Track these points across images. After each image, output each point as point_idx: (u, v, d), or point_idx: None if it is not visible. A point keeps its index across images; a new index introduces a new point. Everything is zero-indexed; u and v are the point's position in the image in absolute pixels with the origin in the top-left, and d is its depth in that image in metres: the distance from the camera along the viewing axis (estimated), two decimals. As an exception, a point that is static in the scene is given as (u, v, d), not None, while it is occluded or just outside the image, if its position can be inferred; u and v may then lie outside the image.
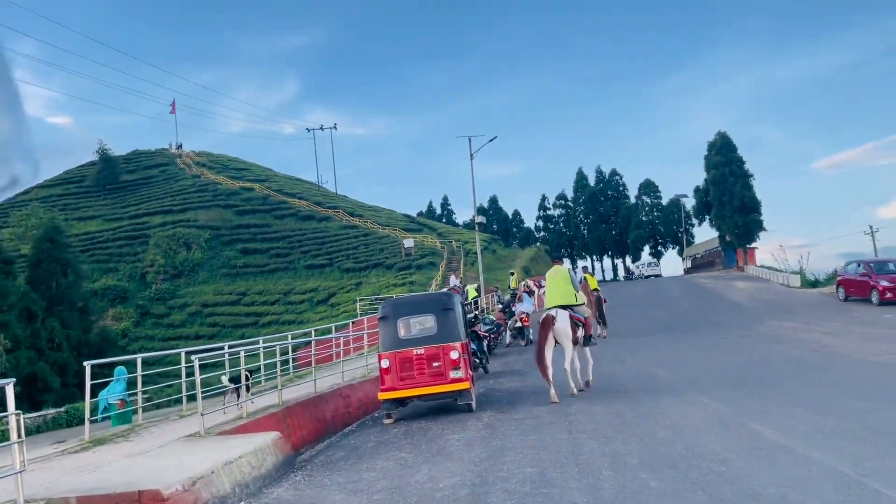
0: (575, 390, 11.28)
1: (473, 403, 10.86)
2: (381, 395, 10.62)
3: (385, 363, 10.58)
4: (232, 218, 70.10)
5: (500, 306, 25.60)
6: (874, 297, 23.71)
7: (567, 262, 13.66)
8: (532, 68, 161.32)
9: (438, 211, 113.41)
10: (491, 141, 31.90)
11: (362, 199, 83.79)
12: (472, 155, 32.55)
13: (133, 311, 59.24)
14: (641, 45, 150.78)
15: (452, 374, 10.45)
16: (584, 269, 23.88)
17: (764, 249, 68.22)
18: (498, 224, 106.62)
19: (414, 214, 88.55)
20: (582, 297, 11.83)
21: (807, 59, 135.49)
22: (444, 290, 33.83)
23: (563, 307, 11.30)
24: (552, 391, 10.75)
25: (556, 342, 11.14)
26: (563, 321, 11.10)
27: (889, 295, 23.13)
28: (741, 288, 37.82)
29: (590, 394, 11.52)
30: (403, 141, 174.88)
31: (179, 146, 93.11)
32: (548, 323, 11.10)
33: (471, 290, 32.80)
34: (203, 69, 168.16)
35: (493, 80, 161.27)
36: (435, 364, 10.50)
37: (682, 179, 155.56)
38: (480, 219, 32.61)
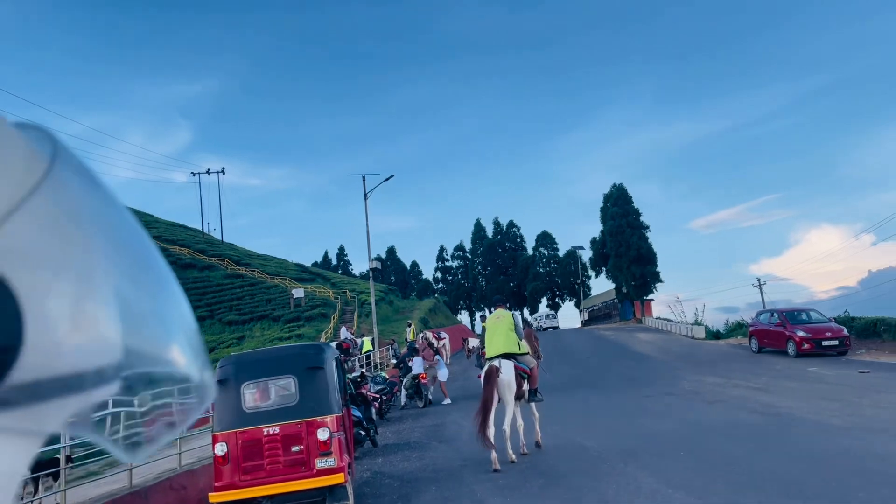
0: (514, 456, 9.79)
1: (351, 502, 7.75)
2: (214, 497, 7.26)
3: (221, 448, 7.34)
4: (102, 265, 63.70)
5: (395, 361, 22.61)
6: (790, 349, 22.42)
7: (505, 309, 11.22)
8: (432, 123, 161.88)
9: (334, 261, 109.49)
10: (387, 180, 29.37)
11: (254, 249, 79.05)
12: (366, 195, 29.81)
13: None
14: (536, 105, 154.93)
15: (320, 464, 7.36)
16: (482, 317, 21.55)
17: (659, 301, 68.82)
18: (396, 275, 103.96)
19: (308, 265, 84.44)
20: (525, 346, 10.39)
21: (687, 125, 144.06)
22: (334, 343, 30.45)
23: (507, 356, 9.96)
24: (493, 455, 9.38)
25: (498, 398, 9.74)
26: (507, 372, 9.76)
27: (806, 346, 21.87)
28: (645, 339, 36.54)
29: (524, 473, 8.71)
30: (300, 192, 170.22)
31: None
32: (492, 375, 9.72)
33: (366, 343, 29.72)
34: (90, 112, 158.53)
35: (392, 133, 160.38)
36: (294, 449, 7.37)
37: (578, 232, 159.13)
38: (375, 264, 29.66)
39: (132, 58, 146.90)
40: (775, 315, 23.94)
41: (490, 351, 10.18)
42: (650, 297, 61.60)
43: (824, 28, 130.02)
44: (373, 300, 32.23)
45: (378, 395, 16.13)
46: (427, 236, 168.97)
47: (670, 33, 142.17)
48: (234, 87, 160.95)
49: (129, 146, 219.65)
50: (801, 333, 22.12)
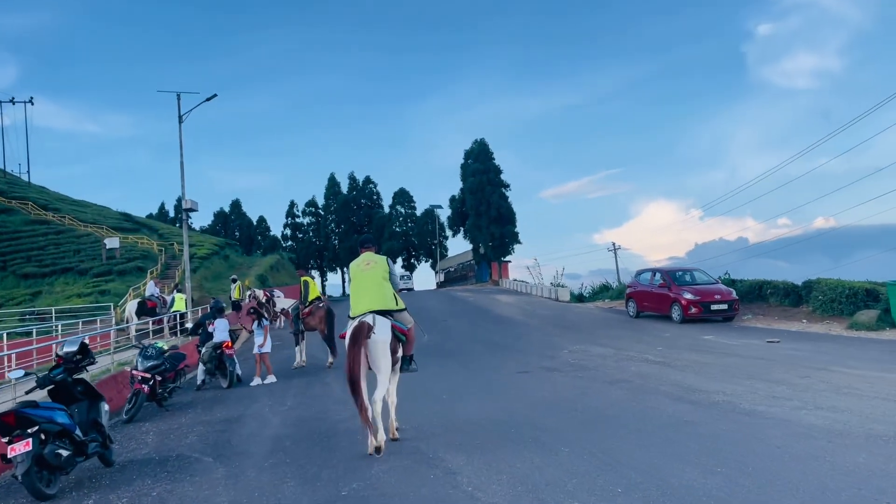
0: (385, 436, 7.37)
1: None
2: None
3: None
4: None
5: (189, 326, 17.29)
6: (675, 314, 19.63)
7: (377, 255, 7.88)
8: (289, 76, 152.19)
9: (172, 214, 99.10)
10: (209, 100, 23.64)
11: (81, 199, 68.40)
12: (180, 117, 23.76)
13: None
14: (395, 69, 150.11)
15: None
16: (301, 271, 17.16)
17: (515, 265, 66.93)
18: (241, 231, 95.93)
19: (140, 215, 74.62)
20: (402, 301, 7.82)
21: (539, 99, 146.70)
22: (138, 300, 24.54)
23: (381, 313, 7.43)
24: (371, 440, 7.10)
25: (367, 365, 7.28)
26: (383, 331, 7.31)
27: (694, 311, 19.14)
28: (506, 302, 33.39)
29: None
30: (143, 141, 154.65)
31: None
32: (361, 334, 7.18)
33: (178, 300, 24.14)
34: None
35: (247, 84, 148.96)
36: None
37: (436, 194, 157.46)
38: (190, 203, 23.89)
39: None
40: (657, 275, 21.11)
41: (358, 306, 7.47)
42: (508, 258, 59.29)
43: (665, 13, 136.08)
44: (185, 248, 26.48)
45: (148, 375, 11.08)
46: (277, 192, 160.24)
47: (527, 9, 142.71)
48: (71, 22, 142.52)
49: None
50: (688, 296, 19.34)
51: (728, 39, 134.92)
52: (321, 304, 15.53)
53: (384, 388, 7.25)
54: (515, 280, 53.33)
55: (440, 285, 75.81)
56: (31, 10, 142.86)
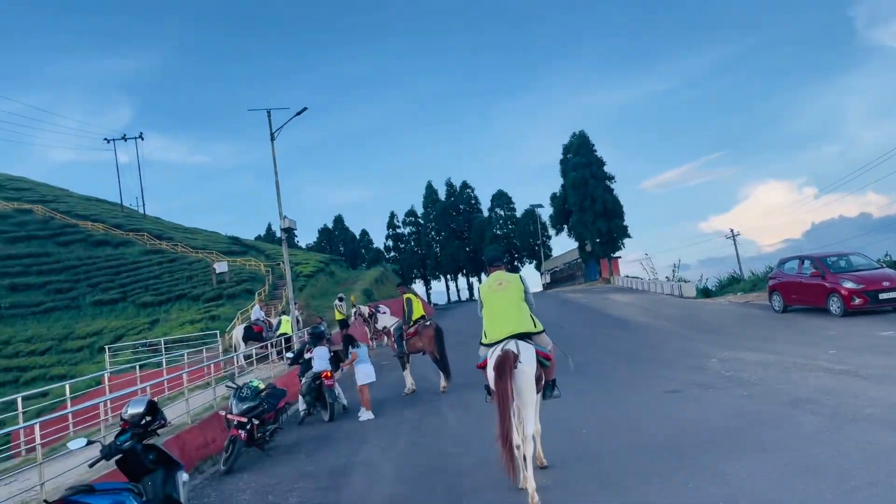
0: (545, 461, 7.16)
1: None
2: None
3: None
4: (-2, 247, 55.68)
5: (290, 357, 16.10)
6: (834, 306, 16.88)
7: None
8: (376, 92, 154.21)
9: (278, 234, 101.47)
10: (299, 114, 22.89)
11: (188, 224, 71.00)
12: (272, 134, 23.16)
13: None
14: (480, 69, 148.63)
15: None
16: (402, 287, 15.51)
17: (625, 261, 63.68)
18: (345, 245, 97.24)
19: (248, 238, 76.61)
20: (539, 323, 7.00)
21: (629, 87, 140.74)
22: (244, 325, 24.06)
23: (521, 337, 6.60)
24: (530, 486, 6.03)
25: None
26: (529, 360, 6.47)
27: (858, 301, 16.34)
28: (624, 301, 31.01)
29: None
30: (247, 167, 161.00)
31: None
32: (507, 364, 6.28)
33: (284, 323, 23.41)
34: (26, 91, 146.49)
35: (336, 105, 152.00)
36: None
37: (534, 193, 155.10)
38: (288, 223, 23.22)
39: (68, 31, 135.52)
40: (807, 262, 18.35)
41: (495, 332, 6.83)
42: (617, 254, 56.37)
43: None
44: (287, 268, 25.85)
45: (244, 419, 9.91)
46: (377, 204, 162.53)
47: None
48: (175, 59, 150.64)
49: (68, 123, 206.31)
50: (849, 284, 16.55)
51: (832, 4, 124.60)
52: (428, 324, 14.03)
53: (532, 422, 6.53)
54: (628, 276, 50.50)
55: (546, 287, 73.51)
56: (138, 54, 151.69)
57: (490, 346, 6.75)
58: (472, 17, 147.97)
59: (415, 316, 14.08)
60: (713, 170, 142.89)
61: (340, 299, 26.38)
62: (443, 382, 13.74)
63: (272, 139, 23.12)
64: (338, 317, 25.82)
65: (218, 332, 25.34)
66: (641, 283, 41.32)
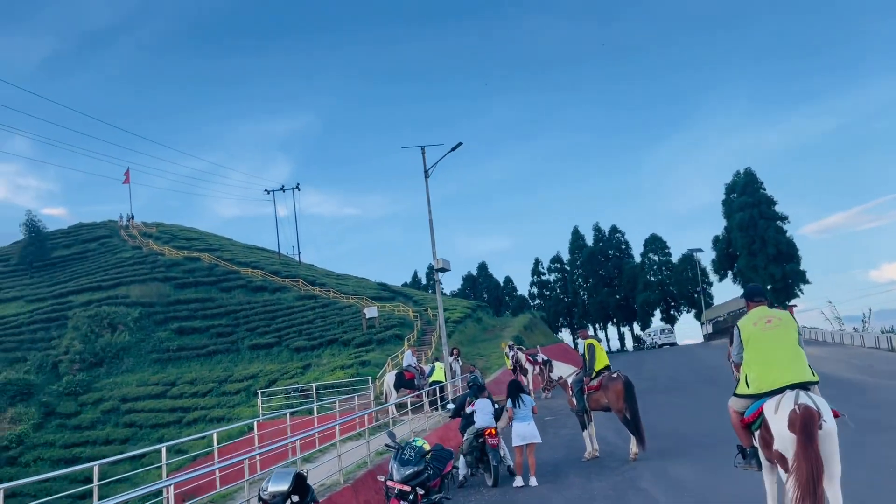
0: None
1: None
2: None
3: None
4: (169, 292, 59.32)
5: (451, 409, 14.06)
6: None
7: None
8: (522, 139, 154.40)
9: (424, 281, 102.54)
10: (454, 149, 21.76)
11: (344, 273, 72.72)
12: (426, 171, 22.17)
13: (35, 411, 47.76)
14: (627, 117, 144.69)
15: None
16: (583, 331, 13.23)
17: (798, 309, 57.33)
18: (489, 293, 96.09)
19: (395, 284, 77.48)
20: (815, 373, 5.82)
21: (787, 127, 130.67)
22: (395, 372, 22.85)
23: (803, 388, 5.53)
24: None
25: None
26: (830, 417, 5.37)
27: None
28: (818, 356, 26.90)
29: None
30: (395, 217, 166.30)
31: (130, 217, 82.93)
32: (812, 423, 5.21)
33: (437, 370, 21.92)
34: (202, 152, 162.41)
35: (487, 153, 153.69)
36: None
37: (689, 238, 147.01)
38: (442, 263, 21.92)
39: (229, 98, 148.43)
40: None
41: (772, 377, 5.58)
42: (793, 302, 50.68)
43: None
44: (440, 311, 24.43)
45: (407, 488, 8.21)
46: (522, 251, 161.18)
47: (762, 33, 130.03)
48: (329, 118, 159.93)
49: (234, 181, 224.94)
50: None
51: None
52: (615, 375, 11.79)
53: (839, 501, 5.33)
54: (805, 327, 45.01)
55: (708, 338, 67.91)
56: (296, 115, 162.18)
57: (759, 396, 5.70)
58: (618, 62, 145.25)
59: (598, 365, 11.92)
60: (886, 213, 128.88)
61: (511, 347, 24.15)
62: (633, 448, 11.38)
63: (426, 176, 22.12)
64: (508, 365, 23.87)
65: (370, 378, 24.34)
66: (829, 334, 36.34)
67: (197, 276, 61.82)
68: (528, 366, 22.15)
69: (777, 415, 5.42)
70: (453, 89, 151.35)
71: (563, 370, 12.98)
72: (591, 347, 11.98)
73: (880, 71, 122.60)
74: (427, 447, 8.92)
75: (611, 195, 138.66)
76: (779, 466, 5.56)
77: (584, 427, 12.24)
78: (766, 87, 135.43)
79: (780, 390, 5.58)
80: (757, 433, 6.01)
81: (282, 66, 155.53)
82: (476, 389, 12.34)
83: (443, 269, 22.02)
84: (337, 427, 11.68)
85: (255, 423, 16.36)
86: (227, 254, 69.63)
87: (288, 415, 15.04)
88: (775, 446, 5.43)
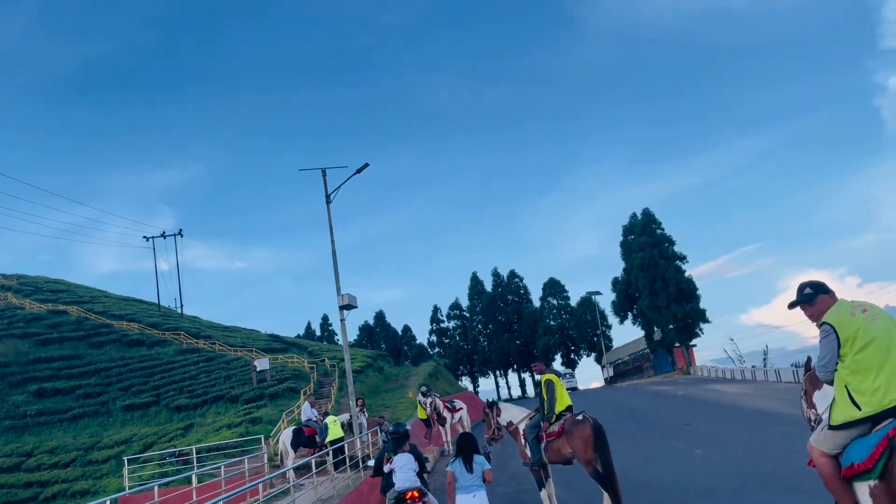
0: None
1: None
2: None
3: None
4: (29, 350, 52.55)
5: (371, 465, 11.09)
6: None
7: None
8: (412, 196, 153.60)
9: (318, 333, 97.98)
10: (359, 171, 19.26)
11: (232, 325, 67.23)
12: (328, 196, 19.52)
13: None
14: (518, 165, 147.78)
15: None
16: (538, 365, 10.67)
17: (701, 347, 58.00)
18: (387, 342, 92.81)
19: (288, 336, 72.60)
20: None
21: (662, 182, 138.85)
22: (292, 428, 19.62)
23: None
24: None
25: None
26: None
27: None
28: (742, 392, 25.93)
29: None
30: (286, 271, 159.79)
31: (-10, 271, 74.34)
32: None
33: (332, 425, 18.80)
34: (77, 205, 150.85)
35: (372, 209, 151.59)
36: None
37: (586, 282, 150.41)
38: (347, 300, 19.09)
39: (108, 148, 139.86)
40: None
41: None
42: (694, 342, 50.96)
43: (783, 82, 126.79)
44: (346, 350, 21.50)
45: None
46: (420, 299, 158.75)
47: (638, 99, 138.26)
48: (213, 170, 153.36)
49: (111, 234, 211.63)
50: None
51: (859, 95, 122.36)
52: (580, 418, 9.39)
53: None
54: (709, 366, 44.98)
55: (609, 381, 67.63)
56: (181, 167, 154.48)
57: (876, 418, 3.92)
58: (509, 116, 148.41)
59: (559, 407, 9.51)
60: (750, 261, 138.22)
61: (424, 393, 21.11)
62: (611, 515, 8.93)
63: (328, 201, 19.46)
64: (421, 415, 20.90)
65: (263, 436, 20.95)
66: (739, 372, 35.98)
67: (62, 331, 55.32)
68: (446, 414, 19.59)
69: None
70: (345, 141, 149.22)
71: (514, 413, 10.47)
72: (549, 384, 9.52)
73: (734, 133, 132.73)
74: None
75: (507, 242, 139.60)
76: None
77: (540, 485, 9.74)
78: (641, 148, 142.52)
79: None
80: (870, 483, 3.87)
81: (168, 118, 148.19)
82: (396, 441, 9.55)
83: (349, 307, 19.21)
84: (222, 500, 8.70)
85: (119, 500, 12.86)
86: (100, 306, 63.18)
87: (156, 487, 11.70)
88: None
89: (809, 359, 4.95)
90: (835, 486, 4.22)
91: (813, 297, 4.37)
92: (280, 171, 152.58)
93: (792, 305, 4.47)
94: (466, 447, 7.90)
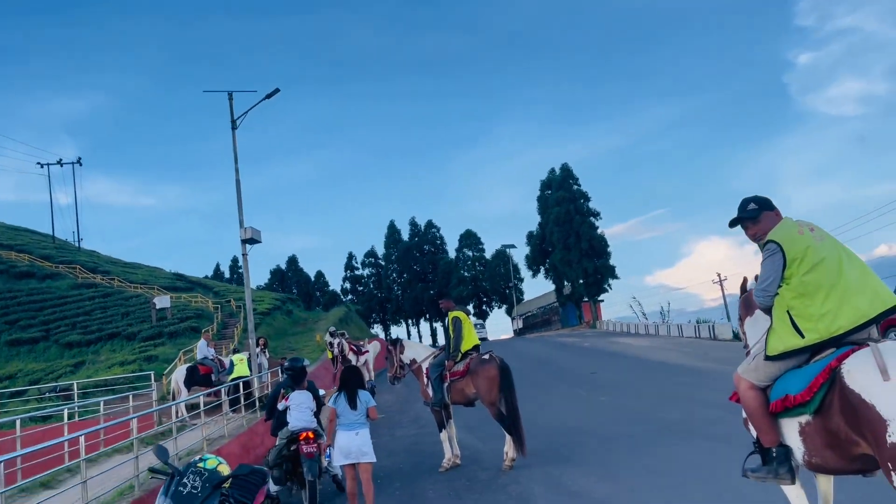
0: None
1: None
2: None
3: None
4: None
5: (266, 407, 10.39)
6: None
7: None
8: (331, 140, 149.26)
9: (228, 275, 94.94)
10: (269, 97, 17.94)
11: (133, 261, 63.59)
12: (234, 121, 18.12)
13: None
14: (441, 116, 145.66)
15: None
16: (445, 301, 9.99)
17: (608, 303, 59.50)
18: (298, 287, 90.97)
19: (195, 276, 69.62)
20: None
21: (579, 143, 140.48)
22: (188, 366, 18.55)
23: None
24: None
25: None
26: None
27: None
28: (646, 346, 26.49)
29: None
30: (196, 211, 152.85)
31: None
32: None
33: (238, 363, 17.96)
34: None
35: (288, 151, 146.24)
36: None
37: (502, 236, 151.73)
38: (249, 233, 17.92)
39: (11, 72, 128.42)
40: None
41: (864, 307, 3.44)
42: (601, 298, 52.16)
43: (702, 53, 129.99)
44: (247, 287, 20.37)
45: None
46: (335, 246, 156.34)
47: (556, 58, 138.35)
48: (121, 101, 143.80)
49: (8, 160, 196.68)
50: None
51: (768, 70, 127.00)
52: (486, 357, 8.90)
53: None
54: (614, 320, 46.15)
55: (518, 332, 68.80)
56: (86, 93, 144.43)
57: (817, 347, 3.51)
58: (433, 65, 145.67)
59: (465, 346, 8.97)
60: (658, 225, 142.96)
61: (332, 334, 20.26)
62: (510, 452, 8.55)
63: (233, 127, 18.06)
64: (329, 356, 20.20)
65: (153, 373, 19.74)
66: (644, 326, 36.94)
67: (-58, 259, 51.19)
68: (351, 356, 18.94)
69: (860, 367, 3.18)
70: (259, 77, 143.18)
71: (417, 352, 9.86)
72: (456, 321, 8.92)
73: (650, 99, 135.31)
74: (224, 469, 5.39)
75: (426, 193, 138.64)
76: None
77: (441, 426, 9.22)
78: (562, 107, 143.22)
79: (862, 328, 3.43)
80: (802, 419, 3.47)
81: (71, 40, 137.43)
82: (293, 377, 8.83)
83: (252, 240, 18.03)
84: (95, 434, 7.75)
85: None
86: (-16, 234, 58.80)
87: (18, 422, 10.53)
88: (891, 435, 2.93)
89: (745, 280, 4.47)
90: (760, 421, 3.78)
91: (757, 214, 3.86)
92: (190, 104, 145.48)
93: (734, 223, 3.96)
94: (350, 381, 7.23)
